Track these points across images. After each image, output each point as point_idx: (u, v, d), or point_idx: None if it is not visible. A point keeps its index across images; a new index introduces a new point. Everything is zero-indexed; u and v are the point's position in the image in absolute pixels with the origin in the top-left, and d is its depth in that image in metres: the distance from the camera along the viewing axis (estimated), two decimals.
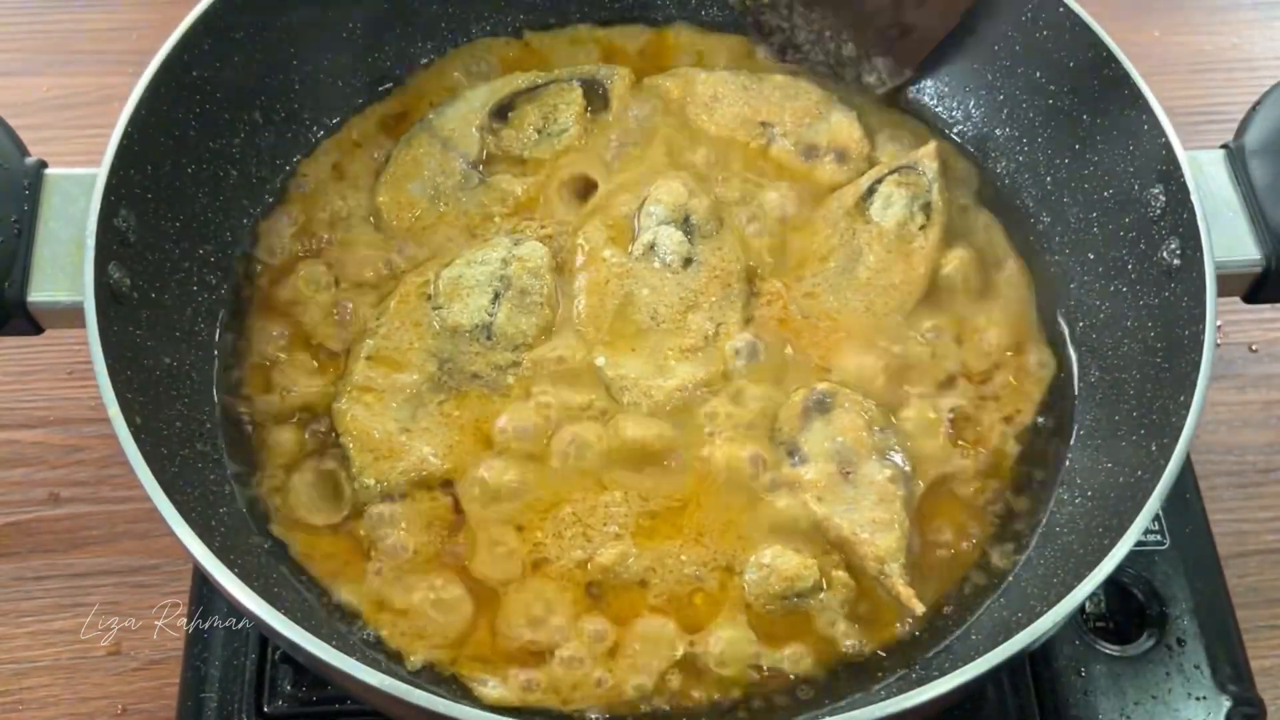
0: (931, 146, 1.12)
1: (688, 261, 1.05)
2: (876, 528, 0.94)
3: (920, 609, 0.93)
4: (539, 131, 1.15)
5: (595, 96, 1.17)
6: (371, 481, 0.95)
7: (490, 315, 1.02)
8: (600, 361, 1.01)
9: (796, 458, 0.97)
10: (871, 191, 1.09)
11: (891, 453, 0.98)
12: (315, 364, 1.02)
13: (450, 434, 0.98)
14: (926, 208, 1.08)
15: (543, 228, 1.09)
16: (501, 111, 1.15)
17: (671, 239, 1.05)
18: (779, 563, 0.92)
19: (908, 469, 0.98)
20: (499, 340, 1.01)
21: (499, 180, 1.12)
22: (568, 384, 1.00)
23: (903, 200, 1.08)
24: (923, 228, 1.08)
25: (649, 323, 1.03)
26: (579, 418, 0.99)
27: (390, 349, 1.01)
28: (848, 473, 0.96)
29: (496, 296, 1.02)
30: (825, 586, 0.92)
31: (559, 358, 1.01)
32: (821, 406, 0.98)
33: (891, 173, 1.10)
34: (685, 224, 1.07)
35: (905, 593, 0.92)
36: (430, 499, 0.96)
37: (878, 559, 0.93)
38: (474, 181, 1.11)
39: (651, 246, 1.05)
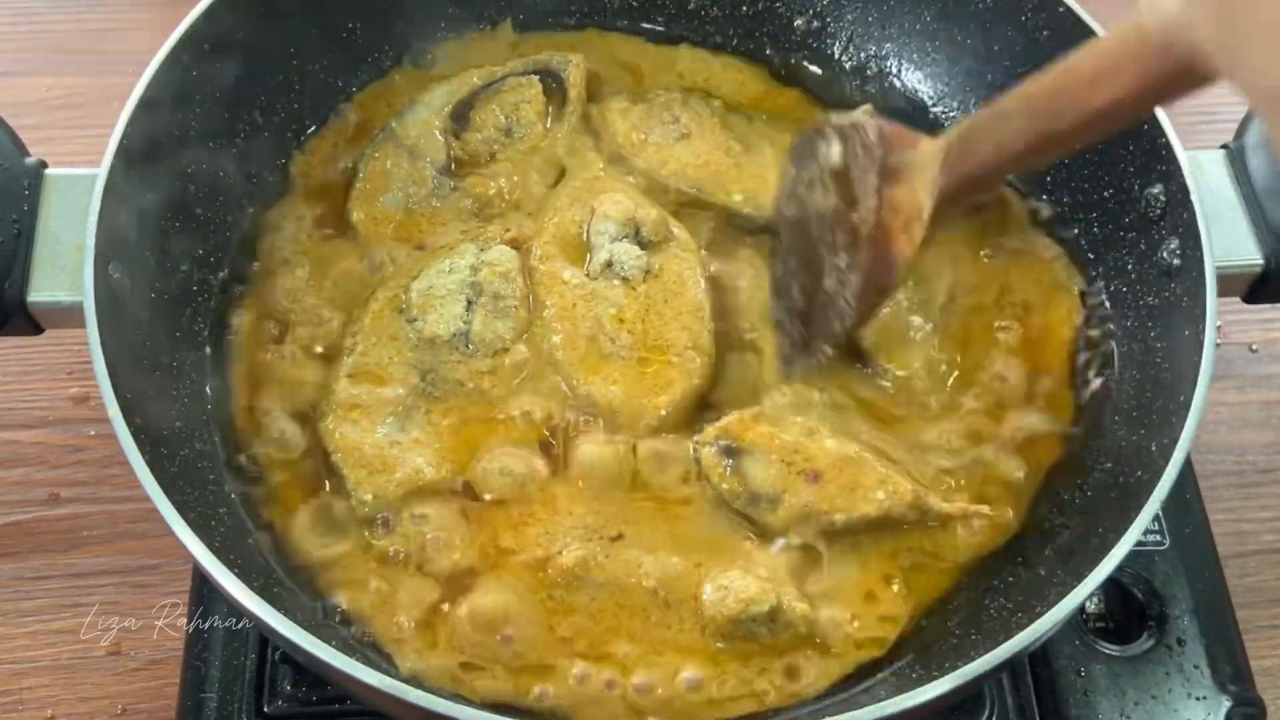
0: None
1: (647, 273, 1.05)
2: (884, 485, 0.93)
3: (985, 509, 0.95)
4: (502, 131, 1.14)
5: (553, 88, 1.17)
6: (369, 496, 0.95)
7: (466, 323, 1.01)
8: (584, 390, 1.00)
9: (767, 501, 0.94)
10: None
11: (818, 432, 0.97)
12: (313, 365, 1.02)
13: (442, 443, 0.98)
14: None
15: (506, 230, 1.08)
16: (462, 112, 1.15)
17: (629, 254, 1.04)
18: (737, 585, 0.90)
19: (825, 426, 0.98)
20: (478, 346, 1.01)
21: (471, 185, 1.11)
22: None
23: None
24: None
25: (622, 345, 1.02)
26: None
27: (370, 364, 1.00)
28: (814, 474, 0.94)
29: (470, 304, 1.02)
30: (780, 617, 0.90)
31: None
32: (730, 452, 0.95)
33: None
34: (637, 236, 1.06)
35: (958, 509, 0.94)
36: (430, 508, 0.95)
37: (912, 506, 0.93)
38: (446, 189, 1.11)
39: (609, 264, 1.04)
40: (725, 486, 0.95)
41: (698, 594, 0.91)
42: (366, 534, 0.94)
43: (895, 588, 0.94)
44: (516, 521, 0.95)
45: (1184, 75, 0.75)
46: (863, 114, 0.99)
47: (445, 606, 0.92)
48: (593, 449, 0.97)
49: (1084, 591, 0.80)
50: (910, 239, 0.92)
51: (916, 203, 0.92)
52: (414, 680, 0.87)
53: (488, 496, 0.96)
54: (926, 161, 0.92)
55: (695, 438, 0.97)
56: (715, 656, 0.90)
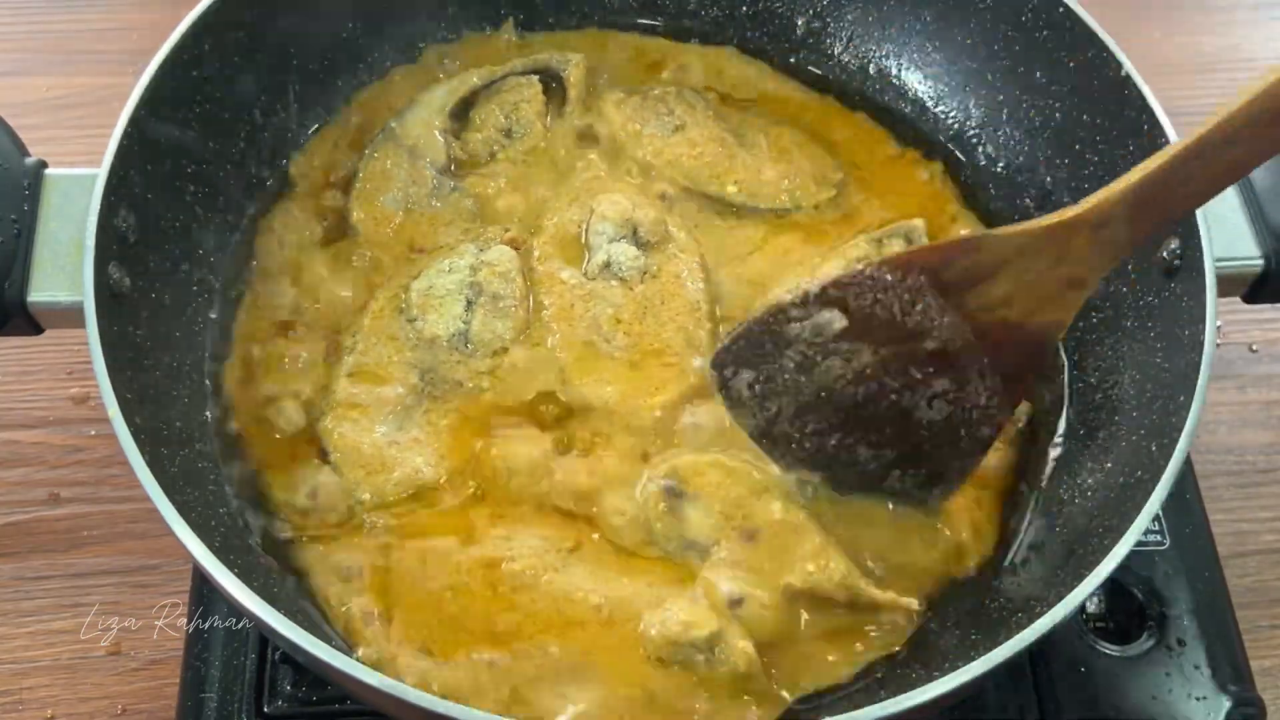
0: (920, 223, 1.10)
1: (644, 274, 1.05)
2: (817, 559, 0.91)
3: (914, 604, 0.92)
4: (502, 131, 1.14)
5: (553, 88, 1.17)
6: (367, 496, 0.95)
7: (465, 323, 1.01)
8: (580, 390, 1.00)
9: (698, 551, 0.92)
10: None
11: (769, 493, 0.94)
12: (312, 365, 1.02)
13: (440, 442, 0.98)
14: None
15: (506, 230, 1.08)
16: (462, 112, 1.15)
17: (627, 255, 1.04)
18: (680, 607, 0.88)
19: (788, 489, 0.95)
20: (477, 346, 1.01)
21: (471, 185, 1.11)
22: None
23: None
24: None
25: (618, 346, 1.02)
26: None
27: (370, 364, 1.01)
28: (750, 533, 0.92)
29: (469, 304, 1.02)
30: (719, 648, 0.87)
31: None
32: (674, 494, 0.94)
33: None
34: (634, 236, 1.06)
35: (886, 599, 0.91)
36: (429, 508, 0.95)
37: (842, 587, 0.90)
38: (446, 189, 1.11)
39: (606, 264, 1.04)
40: (659, 526, 0.93)
41: (641, 615, 0.89)
42: (365, 534, 0.94)
43: (833, 647, 0.91)
44: (499, 517, 0.95)
45: None
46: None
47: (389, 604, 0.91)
48: (584, 461, 0.97)
49: (1084, 591, 0.80)
50: (1063, 308, 0.87)
51: (1061, 276, 0.85)
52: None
53: (485, 496, 0.96)
54: (1080, 228, 0.83)
55: (646, 472, 0.96)
56: (646, 676, 0.88)
